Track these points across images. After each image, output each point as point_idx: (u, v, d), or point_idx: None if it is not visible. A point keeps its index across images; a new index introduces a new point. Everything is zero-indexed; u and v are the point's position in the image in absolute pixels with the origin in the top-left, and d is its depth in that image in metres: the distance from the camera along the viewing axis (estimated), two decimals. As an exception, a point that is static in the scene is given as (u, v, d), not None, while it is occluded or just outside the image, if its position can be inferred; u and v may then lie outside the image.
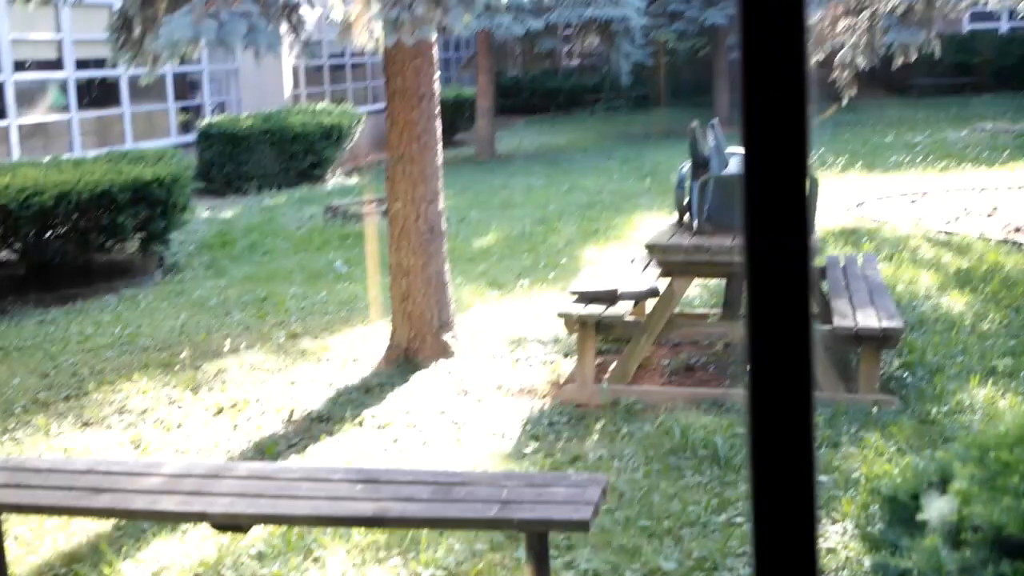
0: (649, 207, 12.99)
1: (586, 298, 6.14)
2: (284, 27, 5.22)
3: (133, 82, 15.76)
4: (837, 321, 5.71)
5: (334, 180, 16.76)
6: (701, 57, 26.35)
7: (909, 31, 10.01)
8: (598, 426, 5.82)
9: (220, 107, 18.36)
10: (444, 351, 6.84)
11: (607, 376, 6.28)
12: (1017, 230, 10.12)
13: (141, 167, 10.39)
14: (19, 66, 13.54)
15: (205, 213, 13.63)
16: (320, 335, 7.90)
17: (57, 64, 14.32)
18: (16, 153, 13.30)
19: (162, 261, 11.05)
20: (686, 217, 6.46)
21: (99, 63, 15.27)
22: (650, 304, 6.58)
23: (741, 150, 0.78)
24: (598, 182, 15.66)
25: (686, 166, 6.67)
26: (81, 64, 14.71)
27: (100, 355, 7.73)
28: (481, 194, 14.69)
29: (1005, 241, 9.77)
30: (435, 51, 6.67)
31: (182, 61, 5.50)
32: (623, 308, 6.05)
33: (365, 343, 7.58)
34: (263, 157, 15.61)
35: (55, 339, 8.22)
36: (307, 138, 15.87)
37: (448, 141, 22.96)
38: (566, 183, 15.43)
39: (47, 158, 12.43)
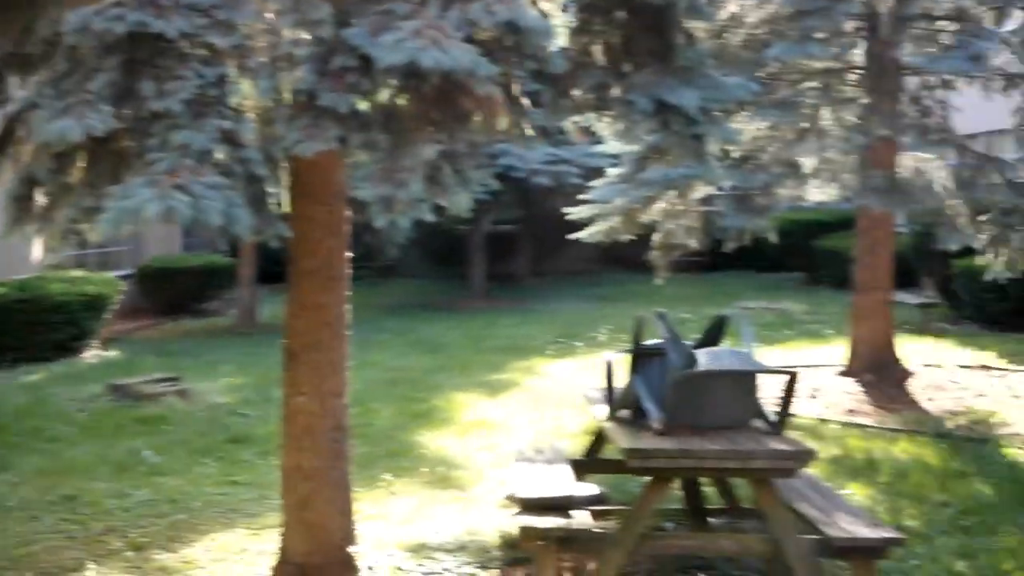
0: (459, 386, 12.50)
1: (533, 506, 5.50)
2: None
3: None
4: (829, 531, 5.28)
5: (93, 353, 15.25)
6: (448, 229, 26.19)
7: (746, 216, 10.18)
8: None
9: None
10: (349, 567, 5.96)
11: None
12: (850, 412, 10.26)
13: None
14: None
15: (-43, 391, 11.97)
16: (171, 546, 6.76)
17: None
18: None
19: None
20: (621, 412, 5.95)
21: None
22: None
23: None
24: (383, 356, 15.01)
25: (614, 358, 6.26)
26: None
27: None
28: (266, 370, 13.44)
29: (851, 424, 9.81)
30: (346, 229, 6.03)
31: None
32: (585, 518, 5.46)
33: (240, 558, 6.53)
34: (18, 328, 13.99)
35: None
36: (68, 308, 14.38)
37: (197, 310, 21.78)
38: (351, 358, 14.64)
39: None
